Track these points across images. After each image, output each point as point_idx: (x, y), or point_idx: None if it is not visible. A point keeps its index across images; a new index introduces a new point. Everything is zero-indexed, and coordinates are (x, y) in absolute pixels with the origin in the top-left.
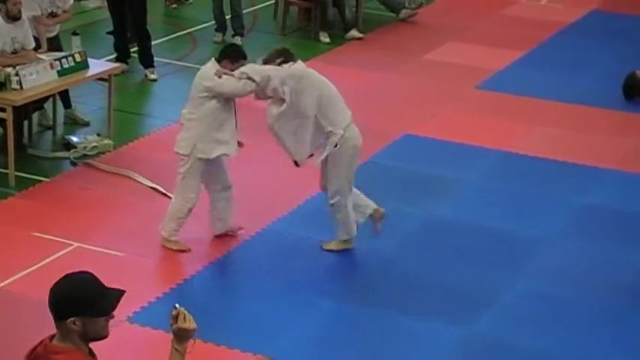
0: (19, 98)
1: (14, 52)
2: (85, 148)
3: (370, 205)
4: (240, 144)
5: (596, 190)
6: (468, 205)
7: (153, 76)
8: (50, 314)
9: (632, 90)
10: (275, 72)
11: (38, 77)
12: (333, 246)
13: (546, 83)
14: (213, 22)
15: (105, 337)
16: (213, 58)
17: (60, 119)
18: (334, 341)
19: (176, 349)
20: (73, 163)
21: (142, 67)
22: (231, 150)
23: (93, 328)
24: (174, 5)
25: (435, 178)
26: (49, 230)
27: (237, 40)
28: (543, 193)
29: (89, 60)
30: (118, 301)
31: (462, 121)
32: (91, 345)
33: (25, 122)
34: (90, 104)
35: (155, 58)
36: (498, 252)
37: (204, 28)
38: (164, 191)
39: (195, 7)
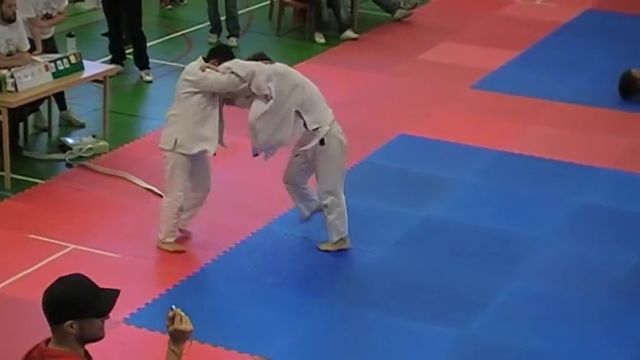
0: (14, 100)
1: (9, 54)
2: (81, 149)
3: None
4: (222, 145)
5: (592, 189)
6: (463, 204)
7: (148, 78)
8: (45, 318)
9: (628, 89)
10: (260, 68)
11: (33, 79)
12: (329, 246)
13: (541, 83)
14: (208, 23)
15: (101, 338)
16: (200, 57)
17: (55, 121)
18: (330, 342)
19: (173, 351)
20: (69, 165)
21: (137, 69)
22: (212, 148)
23: (89, 330)
24: (169, 6)
25: (431, 178)
26: (45, 232)
27: (233, 41)
28: (539, 193)
29: (84, 62)
30: (115, 301)
31: (457, 120)
32: (87, 346)
33: (21, 124)
34: (85, 106)
35: (150, 60)
36: (493, 252)
37: (199, 29)
38: (160, 192)
39: (190, 9)
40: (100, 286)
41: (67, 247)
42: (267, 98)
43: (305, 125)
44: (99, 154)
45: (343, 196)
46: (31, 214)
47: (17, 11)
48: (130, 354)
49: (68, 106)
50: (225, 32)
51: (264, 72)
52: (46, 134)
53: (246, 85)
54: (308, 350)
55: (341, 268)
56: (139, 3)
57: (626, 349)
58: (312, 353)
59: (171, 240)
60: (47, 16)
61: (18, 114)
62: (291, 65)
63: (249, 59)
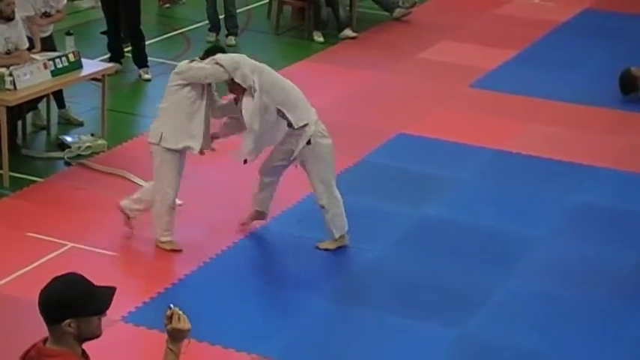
0: (12, 98)
1: (8, 52)
2: (79, 148)
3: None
4: (212, 149)
5: (591, 188)
6: (462, 203)
7: (147, 76)
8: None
9: (628, 86)
10: (243, 60)
11: (32, 77)
12: (328, 245)
13: (540, 82)
14: (207, 21)
15: (98, 336)
16: (197, 57)
17: (54, 119)
18: (328, 341)
19: (170, 350)
20: (67, 163)
21: (135, 67)
22: (197, 145)
23: (87, 329)
24: (167, 5)
25: (429, 177)
26: (43, 230)
27: (231, 39)
28: (538, 192)
29: (83, 60)
30: (112, 299)
31: (455, 119)
32: (85, 345)
33: (19, 122)
34: (84, 104)
35: (149, 58)
36: (492, 251)
37: (198, 27)
38: None
39: (188, 7)
40: (99, 284)
41: (66, 245)
42: (251, 92)
43: (290, 124)
44: (97, 153)
45: (338, 193)
46: (29, 213)
47: (16, 9)
48: (128, 352)
49: (67, 104)
50: (223, 31)
51: (247, 64)
52: (44, 132)
53: (228, 76)
54: (306, 349)
55: (339, 267)
56: (137, 1)
57: (625, 348)
58: (310, 352)
59: (168, 238)
60: (46, 15)
61: (16, 112)
62: (289, 64)
63: (206, 52)
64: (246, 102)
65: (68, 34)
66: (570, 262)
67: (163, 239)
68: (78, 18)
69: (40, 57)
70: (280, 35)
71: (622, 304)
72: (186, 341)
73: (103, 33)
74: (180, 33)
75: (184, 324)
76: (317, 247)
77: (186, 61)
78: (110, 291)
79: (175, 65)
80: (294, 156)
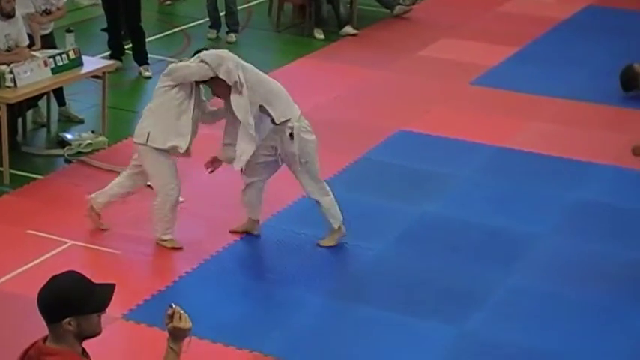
0: (13, 96)
1: (8, 49)
2: (80, 145)
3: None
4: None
5: (590, 185)
6: (462, 201)
7: (147, 74)
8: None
9: (630, 83)
10: (227, 55)
11: (32, 75)
12: (329, 241)
13: (541, 79)
14: (207, 19)
15: (98, 333)
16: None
17: (54, 117)
18: (329, 338)
19: (171, 348)
20: (68, 161)
21: (136, 65)
22: (184, 144)
23: (87, 326)
24: (168, 2)
25: (430, 174)
26: (43, 228)
27: (232, 37)
28: (538, 189)
29: (83, 57)
30: (111, 296)
31: (456, 117)
32: (86, 342)
33: (20, 120)
34: (84, 102)
35: (149, 56)
36: (492, 248)
37: (198, 25)
38: None
39: (189, 4)
40: (99, 282)
41: (66, 242)
42: (237, 87)
43: (272, 121)
44: (98, 150)
45: (326, 185)
46: (29, 210)
47: (16, 7)
48: (128, 350)
49: (67, 101)
50: (224, 28)
51: (232, 59)
52: (45, 130)
53: (213, 73)
54: (306, 346)
55: (340, 265)
56: None
57: (625, 345)
58: (310, 349)
59: (169, 237)
60: (46, 12)
61: (17, 110)
62: (290, 61)
63: (195, 54)
64: (236, 99)
65: (68, 31)
66: (570, 259)
67: (165, 237)
68: (78, 15)
69: (40, 54)
70: (281, 32)
71: (621, 301)
72: (187, 340)
73: (103, 30)
74: (181, 30)
75: (185, 323)
76: (318, 245)
77: (176, 62)
78: (109, 288)
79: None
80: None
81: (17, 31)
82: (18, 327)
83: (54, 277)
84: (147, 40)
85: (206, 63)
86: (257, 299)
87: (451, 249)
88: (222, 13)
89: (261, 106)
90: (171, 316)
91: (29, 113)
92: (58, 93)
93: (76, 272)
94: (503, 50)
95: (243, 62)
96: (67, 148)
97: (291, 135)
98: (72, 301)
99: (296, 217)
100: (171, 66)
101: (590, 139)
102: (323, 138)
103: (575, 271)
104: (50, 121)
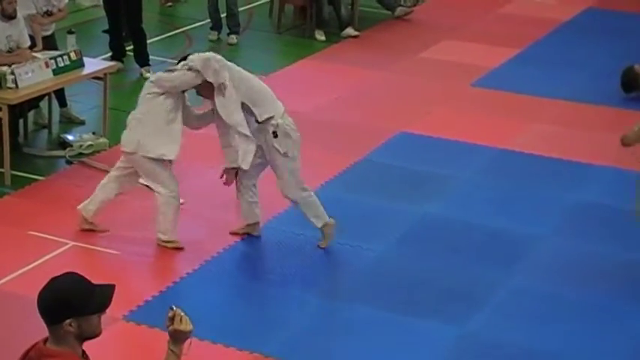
0: (14, 97)
1: (9, 50)
2: (81, 146)
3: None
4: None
5: (591, 187)
6: (463, 202)
7: (148, 75)
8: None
9: (630, 84)
10: (212, 55)
11: (33, 76)
12: (326, 240)
13: (542, 81)
14: (209, 20)
15: (98, 334)
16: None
17: (55, 118)
18: (329, 339)
19: (172, 351)
20: (69, 162)
21: (137, 66)
22: (172, 153)
23: (88, 327)
24: (169, 4)
25: (431, 176)
26: (44, 229)
27: (233, 38)
28: (538, 190)
29: (84, 59)
30: (112, 296)
31: (457, 118)
32: (87, 342)
33: (21, 121)
34: (85, 103)
35: (150, 57)
36: (493, 249)
37: (200, 26)
38: None
39: (190, 6)
40: (100, 283)
41: (67, 243)
42: (221, 90)
43: (256, 120)
44: (99, 151)
45: (307, 187)
46: (31, 211)
47: (18, 8)
48: (129, 351)
49: (68, 103)
50: (225, 29)
51: (217, 60)
52: (46, 131)
53: (201, 79)
54: (308, 347)
55: (341, 265)
56: (139, 0)
57: (625, 346)
58: (311, 350)
59: (171, 237)
60: (48, 13)
61: (18, 111)
62: (291, 63)
63: (180, 60)
64: (220, 101)
65: (70, 32)
66: (570, 260)
67: (166, 238)
68: (79, 16)
69: (41, 55)
70: (282, 34)
71: (622, 302)
72: (187, 342)
73: (104, 31)
74: (182, 32)
75: (186, 325)
76: (319, 247)
77: (162, 71)
78: (109, 288)
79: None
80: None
81: (18, 32)
82: (19, 328)
83: (53, 279)
84: (148, 41)
85: (194, 70)
86: (258, 300)
87: (452, 250)
88: (223, 15)
89: (243, 104)
90: (172, 319)
91: (30, 114)
92: (60, 94)
93: (76, 273)
94: (505, 52)
95: (226, 62)
96: (68, 149)
97: (274, 133)
98: (72, 303)
99: (296, 219)
100: (160, 75)
101: (591, 140)
102: (324, 139)
103: (576, 271)
104: (51, 122)
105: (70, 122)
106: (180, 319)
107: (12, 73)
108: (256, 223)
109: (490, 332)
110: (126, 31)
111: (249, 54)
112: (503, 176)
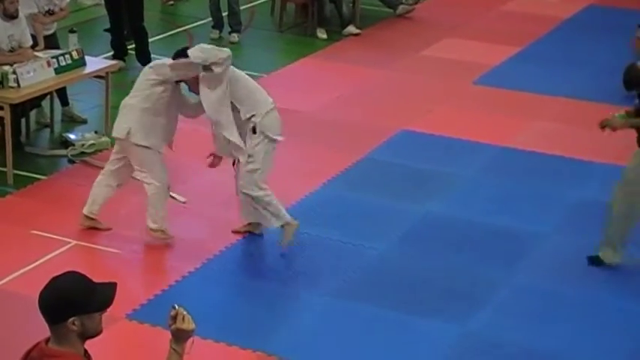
0: (16, 96)
1: (11, 50)
2: (83, 145)
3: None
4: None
5: (593, 184)
6: (465, 200)
7: None
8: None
9: (632, 82)
10: (204, 45)
11: (35, 75)
12: (286, 238)
13: (543, 78)
14: (210, 19)
15: (100, 333)
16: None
17: (57, 117)
18: (331, 337)
19: (174, 350)
20: (71, 161)
21: (139, 65)
22: (162, 145)
23: (90, 326)
24: (170, 2)
25: (433, 174)
26: (47, 228)
27: (234, 37)
28: (540, 188)
29: (86, 57)
30: (114, 294)
31: (459, 116)
32: (89, 342)
33: (23, 120)
34: (87, 102)
35: (152, 56)
36: (495, 247)
37: (201, 25)
38: None
39: (191, 4)
40: (102, 282)
41: (70, 242)
42: (208, 79)
43: (239, 117)
44: (101, 150)
45: (267, 186)
46: (33, 210)
47: (20, 7)
48: (132, 350)
49: (70, 102)
50: (227, 28)
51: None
52: (48, 130)
53: (201, 67)
54: (310, 346)
55: (343, 264)
56: None
57: (627, 345)
58: (312, 348)
59: (163, 226)
60: (49, 12)
61: (20, 110)
62: (292, 61)
63: (177, 52)
64: (205, 93)
65: (71, 31)
66: (572, 258)
67: (157, 227)
68: (81, 15)
69: (43, 55)
70: (283, 32)
71: (624, 301)
72: (190, 341)
73: (106, 30)
74: (184, 30)
75: (188, 324)
76: (279, 245)
77: (162, 60)
78: (111, 287)
79: None
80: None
81: (20, 31)
82: (21, 327)
83: (54, 278)
84: (150, 40)
85: (195, 61)
86: (260, 299)
87: (454, 248)
88: (224, 13)
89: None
90: (175, 318)
91: (32, 113)
92: (61, 93)
93: (76, 272)
94: (506, 49)
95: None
96: (70, 148)
97: (254, 129)
98: (75, 301)
99: (299, 218)
100: (159, 62)
101: (593, 138)
102: (326, 138)
103: (578, 269)
104: (53, 122)
105: (72, 121)
106: (183, 318)
107: (14, 72)
108: (258, 222)
109: (492, 331)
110: (127, 29)
111: (251, 52)
112: (504, 174)
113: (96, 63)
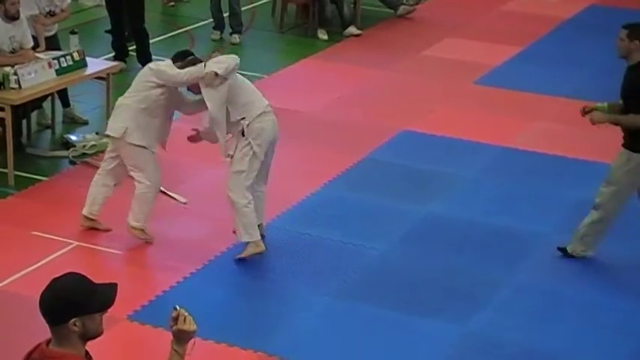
0: (17, 97)
1: (12, 51)
2: (84, 146)
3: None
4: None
5: (594, 184)
6: (466, 200)
7: None
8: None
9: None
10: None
11: (36, 76)
12: (243, 254)
13: (544, 78)
14: (211, 20)
15: (101, 334)
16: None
17: (58, 118)
18: (332, 338)
19: (175, 351)
20: (72, 162)
21: (140, 66)
22: (155, 147)
23: (91, 327)
24: (171, 3)
25: (434, 174)
26: (48, 229)
27: (235, 38)
28: (542, 189)
29: (87, 59)
30: (115, 294)
31: (460, 116)
32: (91, 343)
33: (24, 121)
34: (88, 103)
35: (153, 57)
36: (496, 247)
37: (202, 26)
38: (163, 189)
39: (192, 5)
40: (104, 283)
41: (71, 243)
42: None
43: (228, 118)
44: (102, 151)
45: (250, 197)
46: (34, 211)
47: (21, 8)
48: (133, 351)
49: (71, 103)
50: (228, 29)
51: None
52: (49, 131)
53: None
54: (311, 346)
55: (344, 265)
56: (141, 0)
57: (628, 345)
58: (313, 348)
59: (144, 225)
60: (50, 14)
61: (21, 111)
62: (293, 62)
63: (177, 55)
64: (209, 93)
65: (73, 32)
66: (573, 259)
67: (139, 225)
68: (82, 17)
69: (44, 56)
70: (284, 33)
71: (626, 300)
72: (191, 342)
73: (107, 32)
74: (185, 31)
75: (190, 325)
76: (235, 258)
77: (165, 62)
78: (111, 287)
79: None
80: (229, 153)
81: (21, 32)
82: (23, 328)
83: (55, 280)
84: (151, 41)
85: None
86: (261, 299)
87: (455, 249)
88: (225, 14)
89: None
90: (176, 319)
91: (33, 115)
92: (63, 94)
93: (76, 273)
94: (507, 50)
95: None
96: (71, 149)
97: (242, 131)
98: (76, 302)
99: (300, 218)
100: (161, 65)
101: (594, 138)
102: (327, 138)
103: (579, 270)
104: (54, 123)
105: (73, 122)
106: (184, 319)
107: (15, 73)
108: (260, 223)
109: (492, 331)
110: (128, 31)
111: (252, 53)
112: (505, 174)
113: (97, 64)
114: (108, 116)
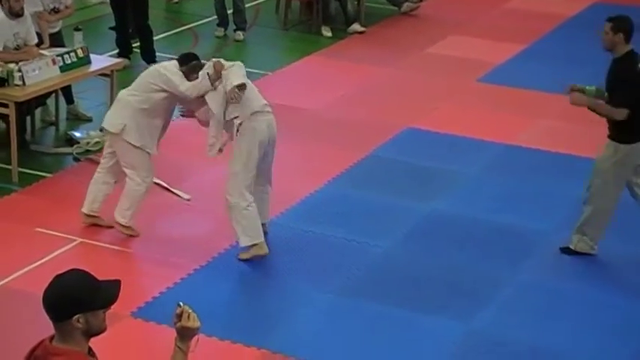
0: (21, 94)
1: (17, 48)
2: (88, 143)
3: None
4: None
5: None
6: (469, 198)
7: None
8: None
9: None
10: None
11: (40, 73)
12: (244, 255)
13: (548, 76)
14: (215, 17)
15: (104, 330)
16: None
17: (62, 115)
18: (336, 335)
19: (179, 348)
20: (76, 159)
21: (144, 63)
22: (152, 149)
23: (95, 323)
24: (175, 0)
25: (437, 172)
26: (52, 226)
27: (239, 35)
28: (545, 186)
29: (91, 56)
30: (118, 291)
31: (463, 114)
32: (94, 339)
33: (28, 118)
34: (92, 100)
35: (157, 54)
36: (500, 245)
37: (206, 23)
38: (166, 186)
39: (196, 2)
40: (108, 279)
41: (75, 240)
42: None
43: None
44: None
45: (251, 198)
46: (38, 208)
47: (25, 5)
48: (137, 347)
49: (75, 100)
50: (232, 26)
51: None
52: (53, 128)
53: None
54: (315, 343)
55: (348, 262)
56: None
57: (631, 344)
58: (317, 346)
59: (129, 223)
60: (55, 10)
61: (25, 108)
62: (297, 59)
63: (182, 57)
64: (209, 94)
65: (77, 29)
66: (577, 256)
67: (125, 222)
68: (86, 14)
69: (48, 53)
70: (288, 30)
71: (630, 298)
72: (195, 339)
73: (111, 28)
74: (189, 28)
75: (194, 322)
76: (237, 258)
77: (172, 63)
78: (115, 284)
79: None
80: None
81: (26, 29)
82: (27, 325)
83: (58, 276)
84: (155, 38)
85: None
86: (265, 296)
87: (458, 246)
88: (229, 11)
89: None
90: (180, 316)
91: (38, 111)
92: (67, 91)
93: (80, 270)
94: (510, 47)
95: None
96: (75, 146)
97: (237, 130)
98: (79, 298)
99: (304, 216)
100: (170, 68)
101: (597, 135)
102: (330, 135)
103: (582, 267)
104: (58, 120)
105: (77, 119)
106: (188, 316)
107: (19, 70)
108: (263, 223)
109: (496, 329)
110: (132, 28)
111: (256, 50)
112: (509, 172)
113: (101, 61)
114: None
